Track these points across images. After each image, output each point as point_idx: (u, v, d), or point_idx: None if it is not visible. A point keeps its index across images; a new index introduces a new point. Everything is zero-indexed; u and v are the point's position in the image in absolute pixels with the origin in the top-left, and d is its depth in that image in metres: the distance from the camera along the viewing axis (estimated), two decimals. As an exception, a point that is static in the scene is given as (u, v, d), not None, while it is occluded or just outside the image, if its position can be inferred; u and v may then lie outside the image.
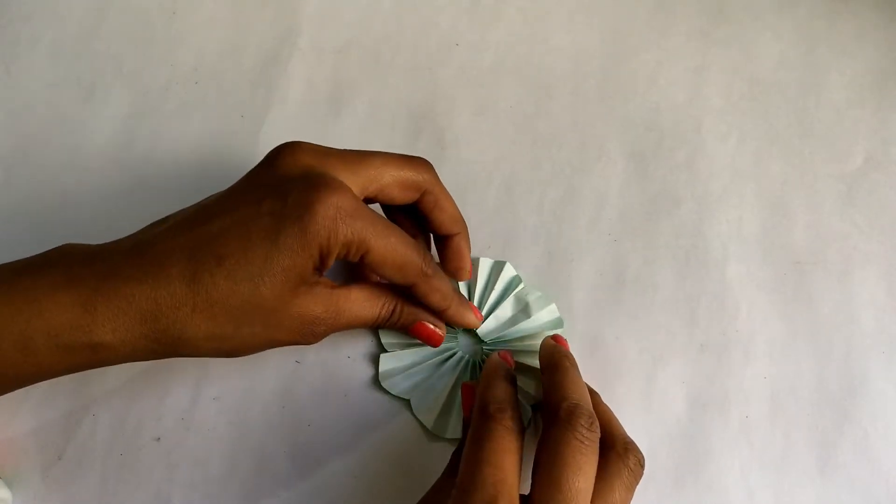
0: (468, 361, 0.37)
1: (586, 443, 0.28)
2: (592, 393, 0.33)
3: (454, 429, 0.35)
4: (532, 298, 0.38)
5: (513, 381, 0.32)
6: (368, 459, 0.36)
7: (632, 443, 0.30)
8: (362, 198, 0.33)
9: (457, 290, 0.37)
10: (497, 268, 0.38)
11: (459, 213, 0.36)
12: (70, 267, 0.29)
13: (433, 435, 0.36)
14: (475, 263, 0.38)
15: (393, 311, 0.34)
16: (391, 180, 0.33)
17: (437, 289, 0.34)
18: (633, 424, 0.36)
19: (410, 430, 0.36)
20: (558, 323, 0.37)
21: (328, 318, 0.32)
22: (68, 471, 0.36)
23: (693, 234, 0.40)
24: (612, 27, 0.45)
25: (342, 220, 0.30)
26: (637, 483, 0.29)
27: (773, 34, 0.45)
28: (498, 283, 0.38)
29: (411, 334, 0.35)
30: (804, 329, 0.38)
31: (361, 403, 0.36)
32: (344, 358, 0.37)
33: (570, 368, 0.32)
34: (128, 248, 0.30)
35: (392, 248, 0.31)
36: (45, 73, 0.44)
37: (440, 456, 0.35)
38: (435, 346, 0.36)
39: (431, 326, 0.35)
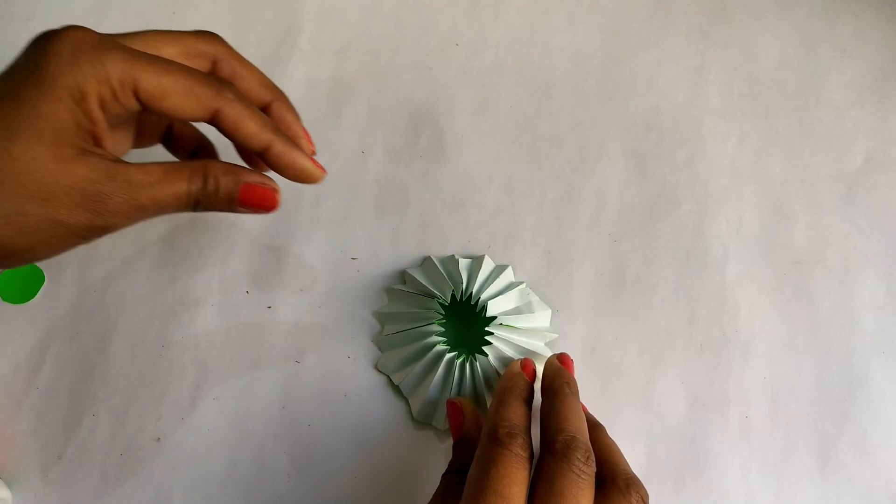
0: (461, 360, 0.36)
1: (583, 476, 0.27)
2: (597, 426, 0.32)
3: (439, 420, 0.36)
4: (533, 299, 0.38)
5: (529, 401, 0.31)
6: (368, 459, 0.36)
7: (634, 478, 0.29)
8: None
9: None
10: (499, 269, 0.38)
11: (268, 79, 0.32)
12: None
13: (433, 435, 0.36)
14: (479, 261, 0.38)
15: (205, 180, 0.29)
16: (174, 51, 0.29)
17: (248, 114, 0.29)
18: (633, 424, 0.36)
19: (410, 430, 0.36)
20: (553, 330, 0.38)
21: (118, 192, 0.27)
22: (68, 471, 0.36)
23: (693, 234, 0.40)
24: (612, 27, 0.45)
25: (85, 53, 0.26)
26: None
27: (773, 34, 0.45)
28: (499, 279, 0.38)
29: (241, 207, 0.30)
30: (804, 329, 0.38)
31: (361, 403, 0.36)
32: (344, 358, 0.37)
33: (570, 396, 0.31)
34: None
35: (167, 71, 0.27)
36: (45, 73, 0.44)
37: (440, 456, 0.35)
38: (271, 208, 0.31)
39: (259, 187, 0.30)
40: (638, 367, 0.37)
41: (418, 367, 0.36)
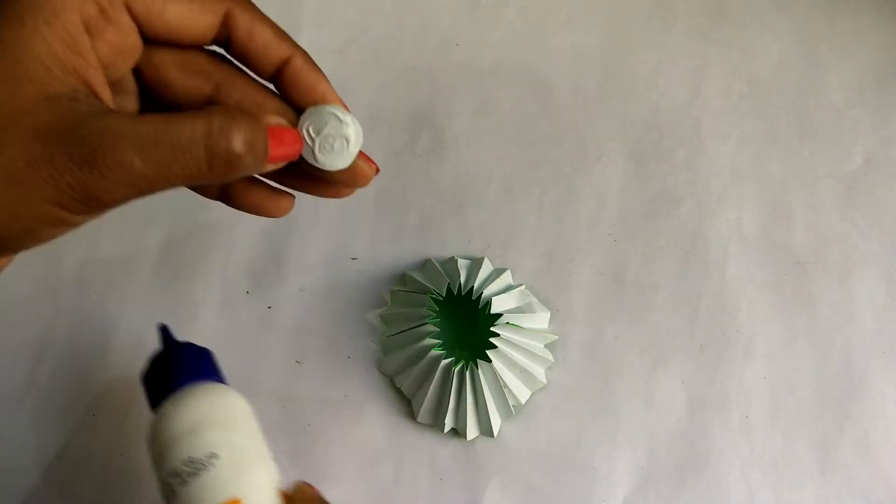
0: (458, 367, 0.36)
1: None
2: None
3: (440, 422, 0.35)
4: (532, 299, 0.38)
5: None
6: (368, 459, 0.36)
7: None
8: (129, 39, 0.23)
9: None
10: (498, 272, 0.38)
11: (283, 32, 0.25)
12: None
13: (433, 436, 0.36)
14: (478, 262, 0.38)
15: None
16: None
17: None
18: (633, 424, 0.36)
19: (411, 430, 0.36)
20: (553, 331, 0.38)
21: (81, 141, 0.20)
22: (68, 471, 0.36)
23: (693, 234, 0.40)
24: (612, 27, 0.45)
25: None
26: None
27: (773, 34, 0.45)
28: (499, 279, 0.38)
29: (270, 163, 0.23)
30: (804, 329, 0.38)
31: (361, 403, 0.36)
32: (344, 358, 0.37)
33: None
34: None
35: None
36: (45, 73, 0.43)
37: (440, 456, 0.35)
38: (294, 156, 0.24)
39: (284, 125, 0.24)
40: (638, 367, 0.37)
41: (416, 370, 0.36)
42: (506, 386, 0.35)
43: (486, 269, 0.38)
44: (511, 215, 0.40)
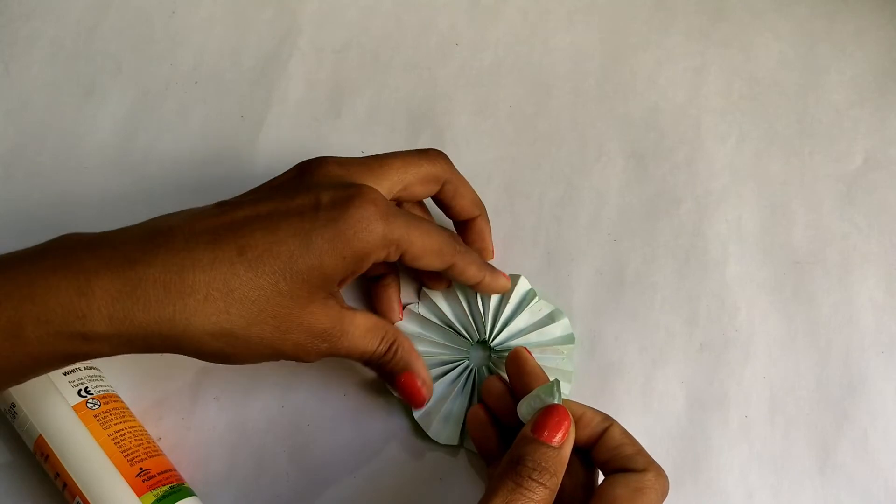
0: (472, 371, 0.36)
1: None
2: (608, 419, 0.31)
3: (450, 436, 0.35)
4: (545, 313, 0.37)
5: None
6: (368, 459, 0.36)
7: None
8: (390, 199, 0.32)
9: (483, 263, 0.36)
10: (512, 281, 0.38)
11: (477, 195, 0.37)
12: (70, 250, 0.27)
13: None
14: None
15: (390, 347, 0.32)
16: (414, 178, 0.33)
17: (472, 261, 0.34)
18: (632, 424, 0.36)
19: (410, 430, 0.36)
20: (569, 339, 0.37)
21: (332, 337, 0.30)
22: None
23: (693, 234, 0.40)
24: (612, 27, 0.45)
25: (379, 222, 0.29)
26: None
27: (773, 34, 0.45)
28: (513, 296, 0.37)
29: (396, 387, 0.34)
30: (804, 329, 0.38)
31: (361, 403, 0.37)
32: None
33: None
34: (136, 233, 0.28)
35: (428, 236, 0.31)
36: (45, 73, 0.44)
37: (440, 456, 0.35)
38: (418, 406, 0.35)
39: (419, 383, 0.33)
40: (638, 366, 0.37)
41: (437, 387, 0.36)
42: None
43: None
44: (511, 215, 0.40)
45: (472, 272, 0.34)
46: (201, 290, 0.27)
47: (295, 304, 0.29)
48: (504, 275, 0.36)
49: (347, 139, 0.42)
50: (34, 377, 0.28)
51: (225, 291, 0.27)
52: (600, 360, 0.37)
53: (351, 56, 0.44)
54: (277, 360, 0.30)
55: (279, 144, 0.42)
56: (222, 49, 0.44)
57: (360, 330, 0.31)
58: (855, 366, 0.37)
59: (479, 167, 0.41)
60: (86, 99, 0.43)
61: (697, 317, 0.38)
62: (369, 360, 0.33)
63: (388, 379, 0.34)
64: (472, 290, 0.36)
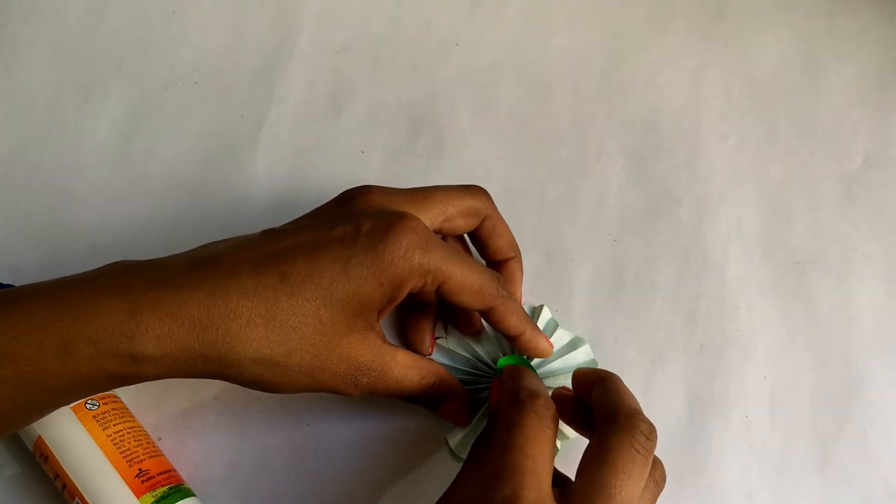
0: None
1: (642, 452, 0.27)
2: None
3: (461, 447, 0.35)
4: (566, 341, 0.37)
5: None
6: (368, 459, 0.36)
7: (638, 412, 0.29)
8: (432, 230, 0.32)
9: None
10: (535, 313, 0.38)
11: (514, 237, 0.37)
12: (121, 274, 0.28)
13: (434, 435, 0.36)
14: (535, 313, 0.38)
15: (433, 384, 0.32)
16: (456, 210, 0.33)
17: (513, 310, 0.33)
18: (632, 424, 0.36)
19: (410, 430, 0.36)
20: (592, 364, 0.37)
21: (374, 371, 0.30)
22: None
23: (693, 234, 0.40)
24: (612, 27, 0.45)
25: (418, 250, 0.29)
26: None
27: (773, 34, 0.45)
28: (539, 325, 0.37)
29: (440, 414, 0.34)
30: (804, 329, 0.38)
31: (361, 403, 0.36)
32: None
33: (621, 381, 0.31)
34: (183, 259, 0.29)
35: (469, 272, 0.31)
36: (45, 73, 0.44)
37: (439, 456, 0.35)
38: (462, 425, 0.35)
39: (461, 407, 0.34)
40: (638, 367, 0.37)
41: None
42: None
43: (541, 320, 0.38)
44: (511, 215, 0.40)
45: (512, 321, 0.33)
46: (244, 316, 0.27)
47: (335, 333, 0.29)
48: (547, 338, 0.35)
49: (347, 139, 0.42)
50: (81, 398, 0.29)
51: (267, 318, 0.28)
52: (600, 360, 0.37)
53: (351, 56, 0.44)
54: (317, 391, 0.30)
55: (279, 144, 0.42)
56: (222, 49, 0.44)
57: (402, 367, 0.31)
58: (855, 366, 0.37)
59: (479, 167, 0.41)
60: (86, 99, 0.43)
61: (697, 317, 0.38)
62: (409, 396, 0.32)
63: (429, 408, 0.34)
64: (508, 342, 0.35)
